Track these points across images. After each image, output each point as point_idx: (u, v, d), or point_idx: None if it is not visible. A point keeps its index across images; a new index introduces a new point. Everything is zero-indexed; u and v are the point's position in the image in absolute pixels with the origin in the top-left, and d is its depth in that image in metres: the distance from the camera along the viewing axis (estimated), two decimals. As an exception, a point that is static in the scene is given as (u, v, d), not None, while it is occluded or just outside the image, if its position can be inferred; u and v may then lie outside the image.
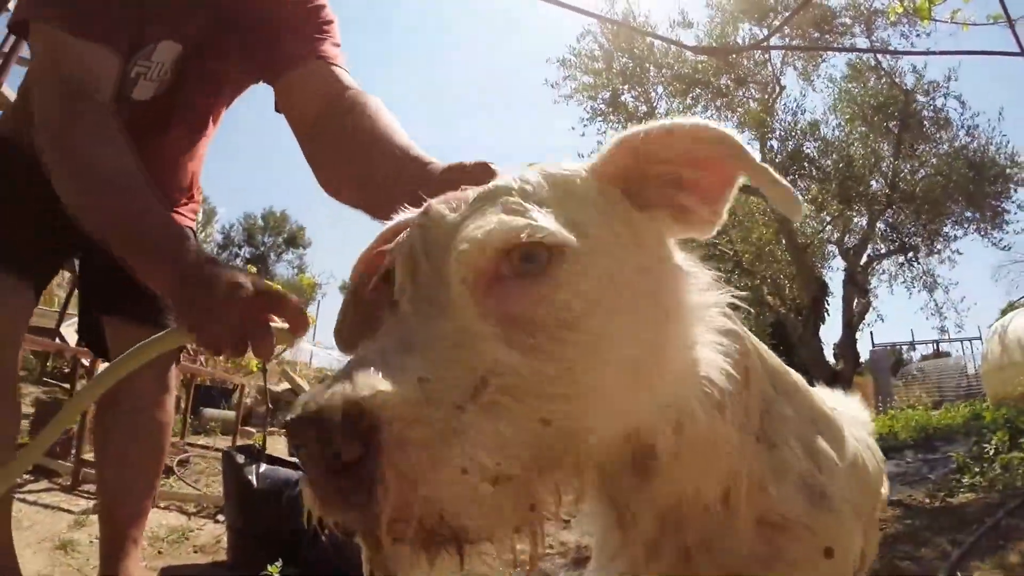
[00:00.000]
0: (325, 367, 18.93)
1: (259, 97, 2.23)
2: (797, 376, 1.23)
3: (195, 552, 3.69)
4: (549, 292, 0.80)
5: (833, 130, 11.36)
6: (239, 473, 3.38)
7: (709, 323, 0.98)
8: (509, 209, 0.84)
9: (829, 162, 10.87)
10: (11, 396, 2.22)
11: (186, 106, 2.23)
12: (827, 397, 1.40)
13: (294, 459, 3.61)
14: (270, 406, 9.63)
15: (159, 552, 3.66)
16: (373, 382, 0.69)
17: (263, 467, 3.44)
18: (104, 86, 1.71)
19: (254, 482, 3.35)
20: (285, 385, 13.03)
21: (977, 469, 6.36)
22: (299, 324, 1.41)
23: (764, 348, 1.16)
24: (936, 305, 11.60)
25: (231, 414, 9.34)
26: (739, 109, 10.85)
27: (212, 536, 3.92)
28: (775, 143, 10.90)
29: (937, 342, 25.25)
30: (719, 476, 1.03)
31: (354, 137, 1.77)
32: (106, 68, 1.71)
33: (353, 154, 1.74)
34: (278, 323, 1.39)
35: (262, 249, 43.74)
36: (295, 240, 43.61)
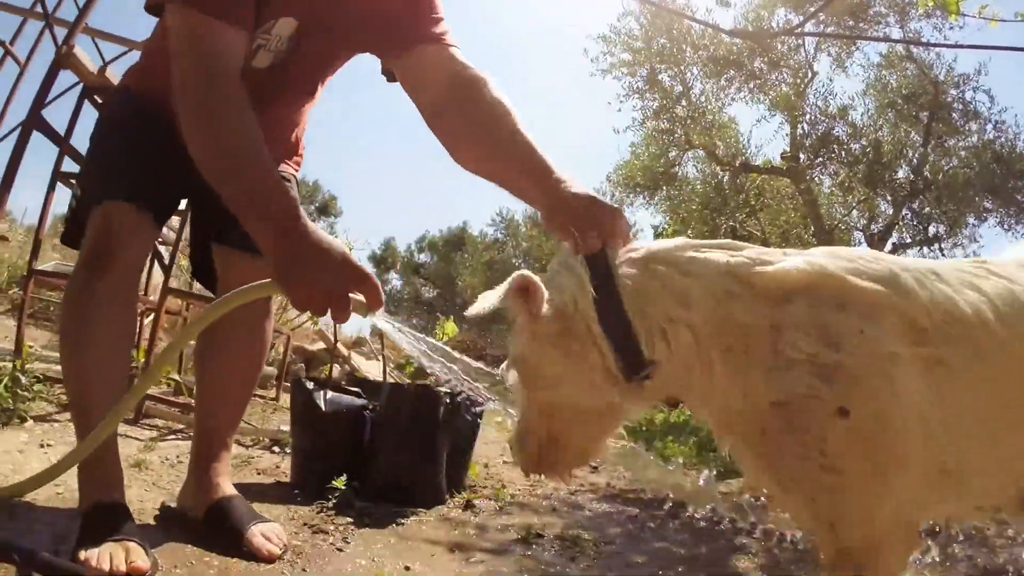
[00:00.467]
0: (357, 332, 19.22)
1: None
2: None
3: (258, 474, 3.99)
4: None
5: (862, 116, 11.49)
6: (308, 398, 3.71)
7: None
8: None
9: (857, 146, 11.04)
10: (133, 312, 2.59)
11: (301, 75, 2.49)
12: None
13: (356, 389, 3.96)
14: (339, 354, 9.95)
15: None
16: None
17: (330, 394, 3.77)
18: (236, 63, 1.98)
19: (322, 406, 3.69)
20: (320, 345, 13.37)
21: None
22: (375, 300, 1.65)
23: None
24: (960, 298, 11.76)
25: (271, 369, 9.68)
26: (771, 92, 11.03)
27: (271, 463, 4.23)
28: (805, 126, 11.07)
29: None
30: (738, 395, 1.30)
31: (480, 121, 2.06)
32: (238, 46, 1.99)
33: (480, 136, 2.05)
34: (358, 295, 1.63)
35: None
36: (327, 209, 43.53)
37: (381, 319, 1.70)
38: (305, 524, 3.02)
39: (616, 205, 1.67)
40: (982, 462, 1.30)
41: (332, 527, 2.97)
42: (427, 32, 2.28)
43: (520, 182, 1.93)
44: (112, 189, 2.42)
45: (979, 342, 1.25)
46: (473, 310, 1.42)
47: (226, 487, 2.76)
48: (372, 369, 8.85)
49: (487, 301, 1.40)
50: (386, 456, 3.62)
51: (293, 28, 2.25)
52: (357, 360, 12.79)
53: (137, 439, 4.45)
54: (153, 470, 3.61)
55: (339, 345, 13.10)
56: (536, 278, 1.37)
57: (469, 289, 33.44)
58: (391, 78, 2.43)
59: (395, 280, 43.20)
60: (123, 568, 2.10)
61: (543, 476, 1.61)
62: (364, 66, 2.46)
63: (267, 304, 2.87)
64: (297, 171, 2.99)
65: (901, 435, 1.20)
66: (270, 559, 2.47)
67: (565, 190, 1.74)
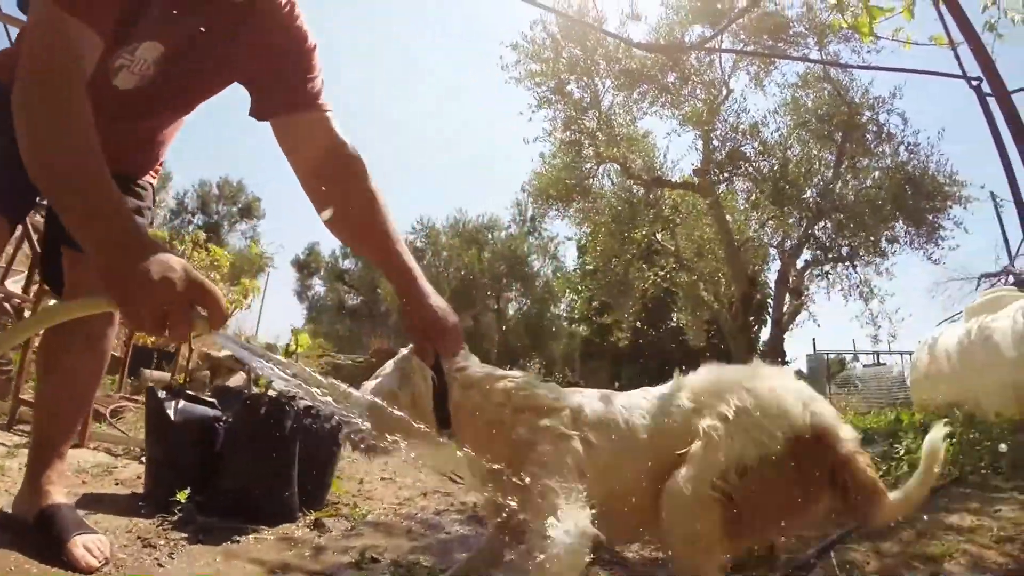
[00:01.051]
0: (271, 340, 19.01)
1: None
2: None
3: (116, 485, 3.87)
4: None
5: (774, 133, 11.62)
6: (159, 407, 3.57)
7: None
8: None
9: (766, 164, 11.15)
10: None
11: (172, 96, 2.44)
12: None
13: (211, 399, 3.82)
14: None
15: (83, 482, 3.84)
16: None
17: (182, 403, 3.64)
18: (89, 65, 1.88)
19: (172, 416, 3.55)
20: (226, 351, 13.12)
21: (885, 467, 6.67)
22: (218, 318, 1.55)
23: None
24: (871, 314, 11.89)
25: (167, 376, 9.48)
26: (684, 107, 11.08)
27: (134, 473, 4.10)
28: (716, 142, 11.15)
29: (877, 353, 25.77)
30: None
31: (360, 207, 2.32)
32: (88, 48, 1.91)
33: (358, 221, 2.32)
34: (199, 312, 1.52)
35: (215, 218, 43.36)
36: (250, 211, 43.20)
37: (224, 337, 1.65)
38: (139, 538, 2.90)
39: (453, 320, 2.31)
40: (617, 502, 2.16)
41: (163, 542, 2.85)
42: (305, 98, 2.36)
43: (389, 275, 2.33)
44: None
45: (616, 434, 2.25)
46: (371, 390, 2.19)
47: (56, 495, 2.69)
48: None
49: (385, 384, 2.22)
50: (234, 469, 3.49)
51: (159, 53, 2.18)
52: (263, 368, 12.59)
53: (3, 444, 4.29)
54: (10, 476, 3.46)
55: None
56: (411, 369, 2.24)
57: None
58: (260, 118, 2.42)
59: (319, 286, 43.00)
60: None
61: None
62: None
63: (108, 316, 2.78)
64: (155, 179, 2.91)
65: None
66: (88, 571, 2.42)
67: (423, 301, 2.25)
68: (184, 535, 2.98)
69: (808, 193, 11.17)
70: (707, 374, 2.34)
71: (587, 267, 16.53)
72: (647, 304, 13.21)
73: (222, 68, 2.38)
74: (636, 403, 2.33)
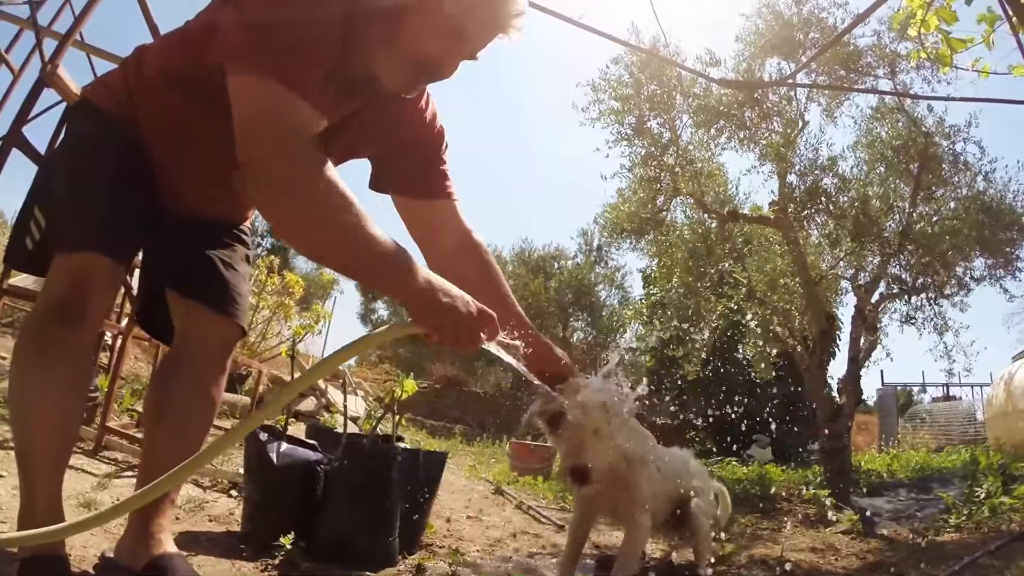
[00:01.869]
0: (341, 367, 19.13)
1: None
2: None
3: (210, 521, 3.90)
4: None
5: (852, 168, 11.44)
6: (261, 449, 3.61)
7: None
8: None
9: (845, 199, 10.97)
10: (93, 361, 2.60)
11: None
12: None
13: (312, 441, 3.85)
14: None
15: (176, 518, 3.87)
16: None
17: (284, 446, 3.67)
18: (313, 137, 2.01)
19: (274, 459, 3.58)
20: (298, 374, 13.22)
21: (966, 511, 6.50)
22: (494, 334, 2.17)
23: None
24: (946, 347, 11.61)
25: (245, 399, 9.56)
26: (761, 141, 10.97)
27: (226, 508, 4.13)
28: (794, 177, 11.01)
29: (947, 385, 25.29)
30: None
31: (489, 280, 2.78)
32: (316, 126, 2.02)
33: (488, 292, 2.61)
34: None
35: (282, 241, 43.76)
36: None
37: (495, 346, 2.22)
38: (243, 584, 2.92)
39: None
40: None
41: (271, 589, 2.88)
42: (442, 187, 2.69)
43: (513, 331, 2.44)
44: (90, 239, 2.37)
45: None
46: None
47: (167, 543, 2.70)
48: (349, 403, 8.70)
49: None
50: (336, 514, 3.52)
51: (322, 127, 2.22)
52: (333, 394, 12.69)
53: (92, 474, 4.35)
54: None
55: (319, 380, 12.97)
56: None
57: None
58: (379, 189, 2.75)
59: (382, 309, 43.20)
60: None
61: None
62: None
63: (221, 364, 2.82)
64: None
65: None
66: None
67: (547, 351, 2.72)
68: (291, 583, 3.00)
69: (888, 227, 10.92)
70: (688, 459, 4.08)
71: (653, 298, 16.40)
72: (717, 336, 13.02)
73: (360, 146, 2.52)
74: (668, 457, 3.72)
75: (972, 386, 24.34)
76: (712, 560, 3.95)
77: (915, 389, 29.07)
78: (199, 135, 2.42)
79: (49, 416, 2.35)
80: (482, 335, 2.13)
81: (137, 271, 4.53)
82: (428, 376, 26.23)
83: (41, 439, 2.35)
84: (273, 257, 13.99)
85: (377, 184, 2.69)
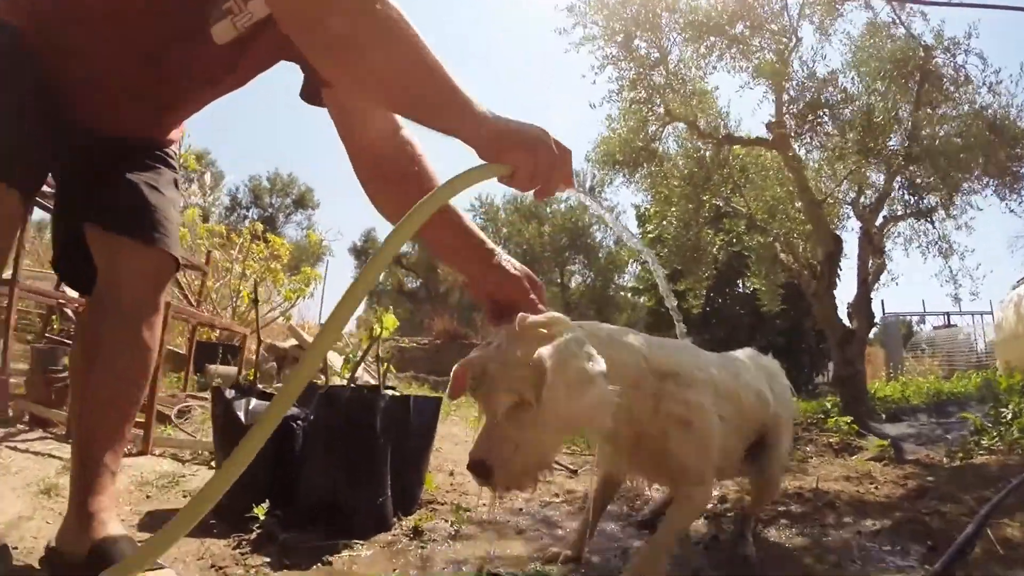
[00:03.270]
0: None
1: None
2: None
3: (184, 497, 3.55)
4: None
5: (852, 81, 11.01)
6: (227, 408, 3.21)
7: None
8: None
9: (849, 111, 10.54)
10: None
11: (245, 65, 2.29)
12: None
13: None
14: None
15: (147, 496, 3.54)
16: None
17: (253, 402, 3.27)
18: None
19: (243, 417, 3.18)
20: (292, 341, 12.95)
21: (995, 433, 6.27)
22: (571, 176, 1.83)
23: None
24: (951, 272, 11.32)
25: (227, 369, 9.25)
26: (755, 59, 10.53)
27: (203, 481, 3.76)
28: (792, 92, 10.58)
29: (948, 315, 25.19)
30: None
31: (415, 188, 2.07)
32: None
33: (410, 198, 1.89)
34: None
35: (270, 211, 43.75)
36: (304, 201, 43.57)
37: (581, 193, 2.02)
38: (213, 566, 2.49)
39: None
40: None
41: (242, 570, 2.46)
42: None
43: (454, 242, 2.17)
44: None
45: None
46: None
47: (111, 524, 2.27)
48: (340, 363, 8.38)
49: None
50: (316, 476, 3.05)
51: (266, 14, 2.03)
52: (332, 357, 12.36)
53: (59, 458, 3.98)
54: (64, 496, 3.11)
55: (311, 339, 12.67)
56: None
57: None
58: (311, 101, 2.28)
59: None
60: None
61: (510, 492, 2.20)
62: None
63: (153, 302, 2.43)
64: (180, 139, 2.74)
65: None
66: None
67: (505, 264, 2.10)
68: (266, 559, 2.57)
69: (893, 140, 10.52)
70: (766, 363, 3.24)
71: (650, 235, 16.09)
72: (718, 269, 12.75)
73: (285, 46, 2.14)
74: (750, 383, 2.84)
75: (973, 314, 24.30)
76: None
77: (914, 320, 29.07)
78: (118, 36, 2.04)
79: None
80: (561, 176, 1.80)
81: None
82: (428, 332, 26.13)
83: None
84: (257, 223, 13.73)
85: (307, 91, 2.27)
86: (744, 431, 2.80)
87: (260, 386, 3.51)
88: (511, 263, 2.10)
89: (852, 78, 11.05)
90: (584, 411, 1.82)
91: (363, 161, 2.20)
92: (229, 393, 3.28)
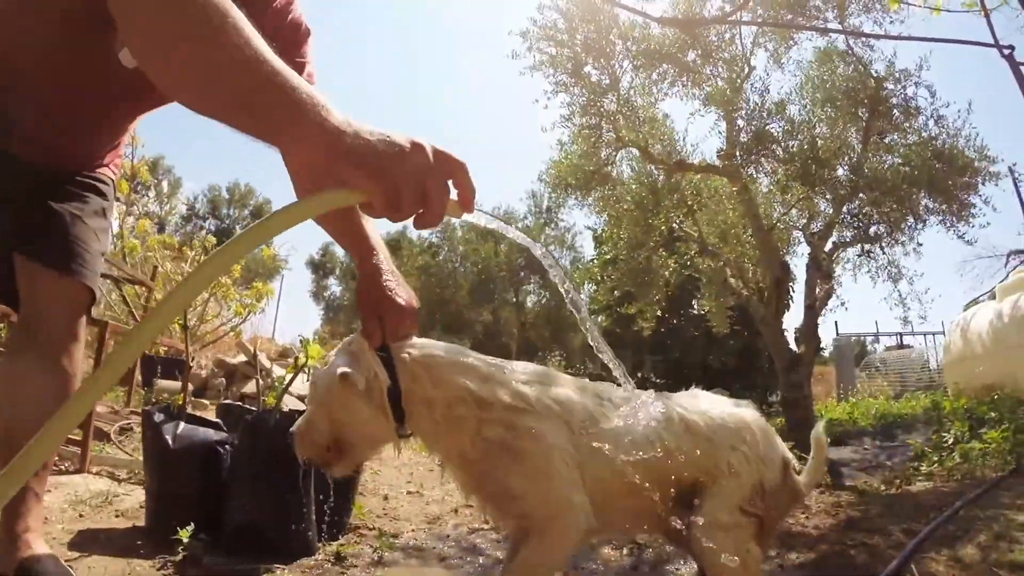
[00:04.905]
0: (287, 343, 18.89)
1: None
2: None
3: (116, 516, 3.55)
4: None
5: (800, 111, 11.18)
6: (156, 432, 3.22)
7: None
8: None
9: (794, 143, 10.70)
10: None
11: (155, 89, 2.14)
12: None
13: (216, 420, 3.45)
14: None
15: (80, 515, 3.53)
16: None
17: (181, 426, 3.27)
18: None
19: (170, 442, 3.18)
20: (242, 357, 12.86)
21: (935, 458, 6.37)
22: (470, 198, 1.45)
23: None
24: (900, 296, 11.48)
25: (169, 384, 9.18)
26: (706, 86, 10.66)
27: (137, 501, 3.78)
28: (741, 122, 10.72)
29: (900, 335, 25.54)
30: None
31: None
32: None
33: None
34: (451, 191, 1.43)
35: (227, 222, 43.45)
36: (261, 213, 43.26)
37: (481, 215, 1.55)
38: (138, 586, 2.55)
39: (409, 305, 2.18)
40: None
41: (164, 593, 2.50)
42: (292, 59, 1.98)
43: (348, 245, 2.22)
44: None
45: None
46: (319, 375, 2.16)
47: (36, 544, 2.33)
48: (300, 385, 8.34)
49: (336, 363, 2.06)
50: (241, 501, 3.08)
51: None
52: (280, 374, 12.31)
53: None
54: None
55: (263, 358, 12.63)
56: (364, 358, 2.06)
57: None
58: None
59: (335, 286, 42.96)
60: None
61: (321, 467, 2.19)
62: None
63: (71, 332, 2.43)
64: (117, 173, 2.71)
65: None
66: None
67: (376, 276, 2.13)
68: (190, 580, 2.62)
69: (839, 171, 10.69)
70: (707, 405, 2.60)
71: (605, 256, 16.16)
72: (669, 292, 12.86)
73: None
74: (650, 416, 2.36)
75: (925, 335, 24.63)
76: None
77: (868, 339, 29.42)
78: (41, 67, 2.06)
79: None
80: (444, 193, 1.40)
81: None
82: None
83: None
84: (210, 236, 13.61)
85: None
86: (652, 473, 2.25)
87: (190, 409, 3.51)
88: (394, 286, 2.14)
89: (801, 108, 11.25)
90: (351, 420, 2.11)
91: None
92: (158, 417, 3.28)
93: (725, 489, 2.34)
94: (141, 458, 4.87)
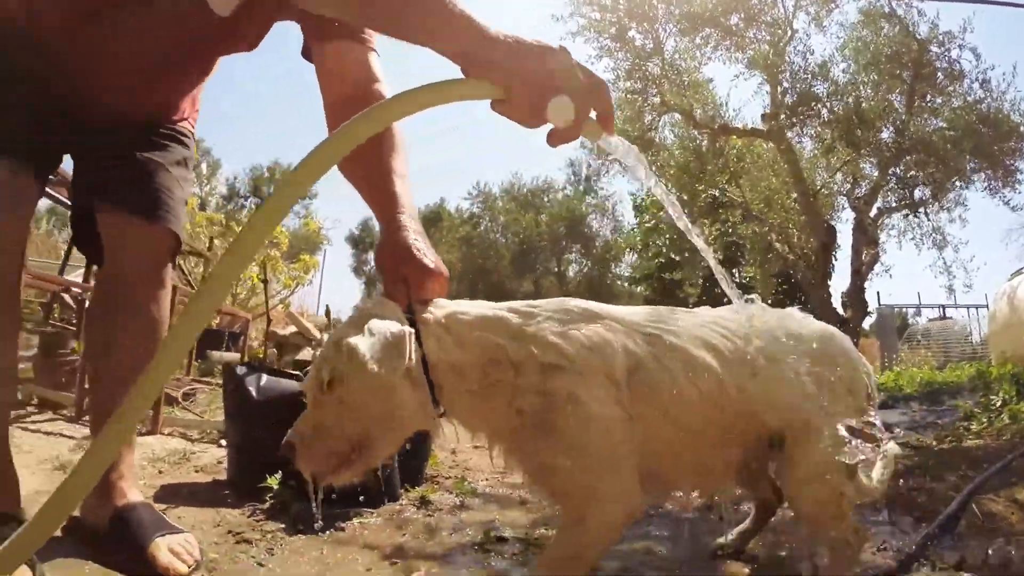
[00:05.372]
0: (333, 315, 19.10)
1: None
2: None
3: (196, 472, 3.63)
4: None
5: (843, 73, 11.08)
6: (239, 384, 3.29)
7: None
8: None
9: (839, 105, 10.63)
10: (13, 303, 2.19)
11: (240, 33, 2.28)
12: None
13: (297, 372, 3.53)
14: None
15: (159, 472, 3.60)
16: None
17: (264, 378, 3.35)
18: None
19: (254, 393, 3.27)
20: (292, 329, 12.99)
21: (984, 419, 6.35)
22: (611, 119, 1.41)
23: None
24: (945, 263, 11.40)
25: (229, 355, 9.30)
26: (749, 50, 10.61)
27: (214, 458, 3.87)
28: (785, 84, 10.66)
29: (943, 307, 25.19)
30: None
31: (377, 146, 1.97)
32: None
33: (365, 154, 1.80)
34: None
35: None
36: (303, 191, 43.58)
37: (618, 142, 1.46)
38: (229, 531, 2.60)
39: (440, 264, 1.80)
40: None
41: (258, 536, 2.56)
42: (355, 29, 2.16)
43: (370, 200, 2.00)
44: None
45: None
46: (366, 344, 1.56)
47: (130, 492, 2.37)
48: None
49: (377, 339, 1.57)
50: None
51: None
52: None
53: (71, 437, 4.08)
54: (79, 474, 3.22)
55: (312, 327, 12.77)
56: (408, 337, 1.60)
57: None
58: (308, 57, 2.27)
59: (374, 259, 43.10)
60: None
61: (326, 479, 1.70)
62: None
63: (157, 279, 2.48)
64: (194, 130, 2.70)
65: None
66: None
67: (398, 234, 1.82)
68: (280, 525, 2.67)
69: (884, 134, 10.59)
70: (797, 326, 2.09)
71: (647, 225, 16.10)
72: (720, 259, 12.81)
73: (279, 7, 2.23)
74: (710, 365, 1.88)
75: (968, 307, 24.27)
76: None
77: (910, 312, 29.06)
78: (120, 18, 2.10)
79: None
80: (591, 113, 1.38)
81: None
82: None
83: None
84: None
85: (304, 49, 2.28)
86: (715, 433, 1.94)
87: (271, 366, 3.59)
88: (421, 245, 1.80)
89: (843, 70, 11.16)
90: (382, 407, 1.65)
91: (336, 115, 2.11)
92: (241, 370, 3.36)
93: (818, 429, 1.97)
94: (210, 418, 4.99)
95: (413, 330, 1.61)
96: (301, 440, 1.64)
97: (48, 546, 2.16)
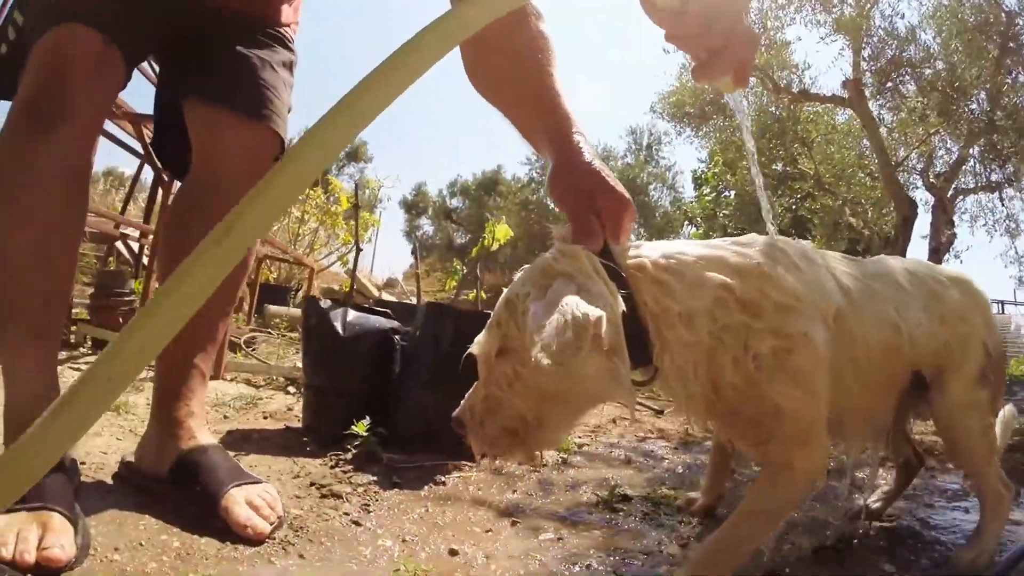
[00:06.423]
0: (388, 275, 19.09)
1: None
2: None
3: (265, 418, 3.39)
4: None
5: (933, 38, 10.64)
6: (323, 319, 2.99)
7: None
8: None
9: (931, 71, 10.20)
10: (85, 188, 1.90)
11: None
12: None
13: (385, 309, 3.24)
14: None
15: (224, 416, 3.35)
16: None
17: (351, 314, 3.06)
18: None
19: (339, 329, 2.97)
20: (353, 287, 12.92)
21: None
22: (748, 74, 1.34)
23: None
24: (1016, 253, 11.01)
25: (296, 311, 9.19)
26: (834, 11, 10.21)
27: (283, 404, 3.65)
28: (871, 50, 10.25)
29: (1002, 303, 24.67)
30: None
31: (514, 49, 1.63)
32: None
33: (506, 64, 1.65)
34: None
35: (323, 162, 44.09)
36: (357, 154, 43.41)
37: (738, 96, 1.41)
38: (313, 484, 2.29)
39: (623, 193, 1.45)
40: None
41: (349, 489, 2.26)
42: None
43: (532, 125, 1.62)
44: (68, 6, 1.76)
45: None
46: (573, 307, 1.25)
47: (200, 433, 1.98)
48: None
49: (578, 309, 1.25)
50: (420, 394, 2.90)
51: None
52: (388, 300, 12.35)
53: (129, 378, 3.89)
54: (135, 413, 2.92)
55: (369, 285, 12.65)
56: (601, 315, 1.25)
57: (509, 230, 33.49)
58: None
59: (427, 225, 42.98)
60: (30, 557, 1.42)
61: (496, 459, 1.54)
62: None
63: (254, 183, 2.20)
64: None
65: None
66: (257, 539, 1.66)
67: (577, 156, 1.48)
68: (372, 478, 2.38)
69: (974, 105, 10.15)
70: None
71: (707, 198, 15.77)
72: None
73: None
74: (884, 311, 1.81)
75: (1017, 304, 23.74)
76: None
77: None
78: None
79: (20, 262, 1.71)
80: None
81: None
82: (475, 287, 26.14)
83: (12, 290, 1.74)
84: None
85: None
86: (886, 376, 1.87)
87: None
88: (604, 170, 1.47)
89: (932, 36, 10.71)
90: (559, 383, 1.39)
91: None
92: (325, 303, 3.08)
93: (962, 362, 1.95)
94: (276, 363, 4.81)
95: (605, 314, 1.25)
96: (472, 415, 1.46)
97: (96, 496, 1.82)
